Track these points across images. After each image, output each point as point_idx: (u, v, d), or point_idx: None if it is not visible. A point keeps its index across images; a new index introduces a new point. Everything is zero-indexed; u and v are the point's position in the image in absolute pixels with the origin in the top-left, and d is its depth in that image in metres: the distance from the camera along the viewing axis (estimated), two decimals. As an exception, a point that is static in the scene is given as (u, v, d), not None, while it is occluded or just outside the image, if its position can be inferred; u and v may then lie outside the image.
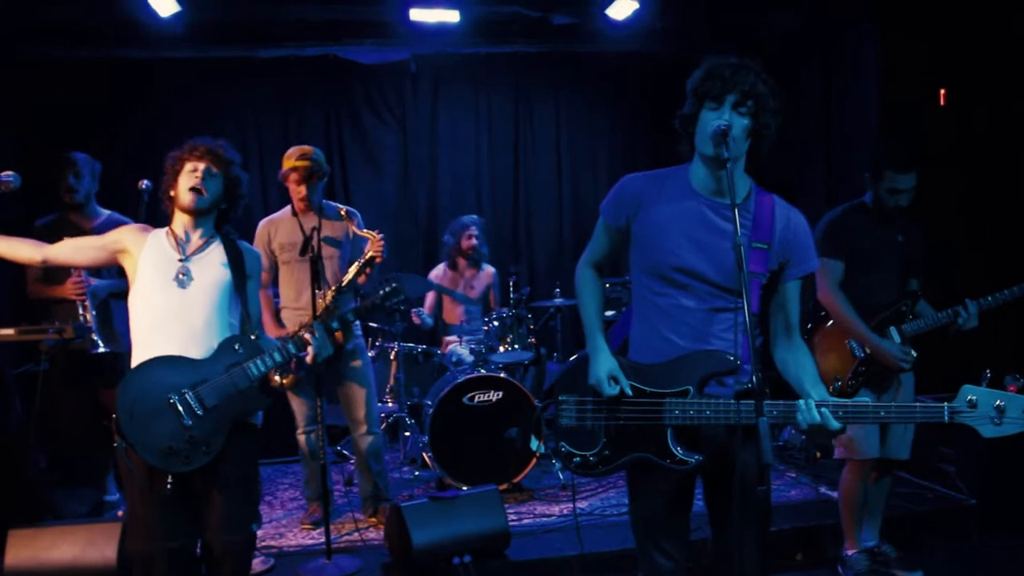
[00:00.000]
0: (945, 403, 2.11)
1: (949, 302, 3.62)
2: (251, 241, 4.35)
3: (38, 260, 2.98)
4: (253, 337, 2.89)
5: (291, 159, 4.28)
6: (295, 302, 4.35)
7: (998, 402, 2.07)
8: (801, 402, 2.17)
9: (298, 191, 4.29)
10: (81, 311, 4.13)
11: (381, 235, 4.09)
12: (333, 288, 4.11)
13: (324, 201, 4.42)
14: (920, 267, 3.74)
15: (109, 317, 4.31)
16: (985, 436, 2.09)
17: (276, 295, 4.46)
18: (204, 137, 2.97)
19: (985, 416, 2.08)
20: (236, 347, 2.82)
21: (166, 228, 2.95)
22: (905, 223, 3.68)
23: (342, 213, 4.28)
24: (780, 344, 2.42)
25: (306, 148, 4.32)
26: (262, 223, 4.44)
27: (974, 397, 2.09)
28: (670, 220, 2.33)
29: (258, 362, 2.80)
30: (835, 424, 2.13)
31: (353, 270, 4.12)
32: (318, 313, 3.96)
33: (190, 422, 2.69)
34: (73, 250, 3.00)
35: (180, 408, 2.70)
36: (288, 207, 4.41)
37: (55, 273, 4.17)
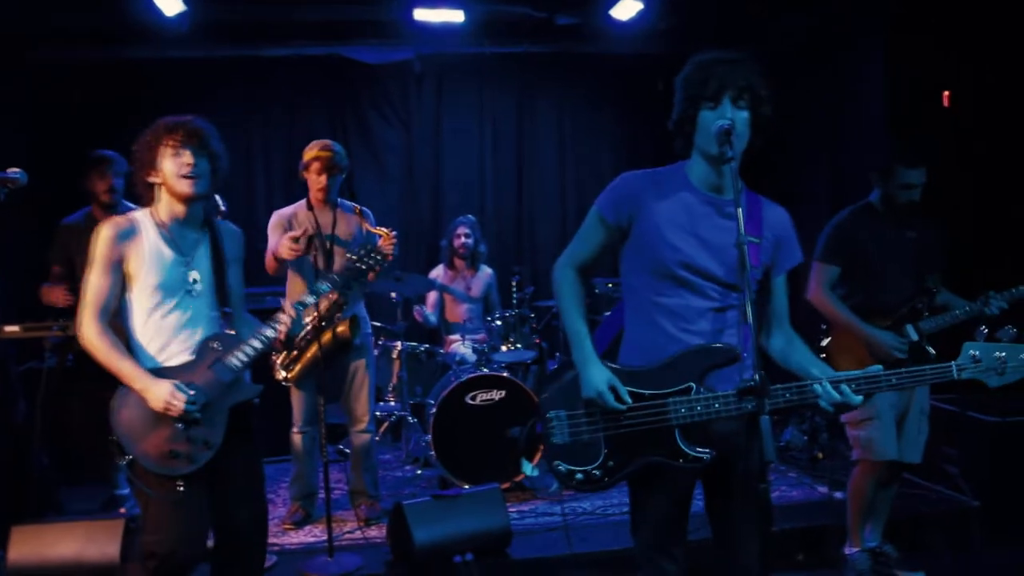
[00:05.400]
0: (952, 362, 2.26)
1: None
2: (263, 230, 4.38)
3: (123, 329, 2.85)
4: (231, 332, 2.89)
5: (313, 149, 4.29)
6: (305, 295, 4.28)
7: (998, 354, 2.25)
8: (817, 386, 2.20)
9: (318, 181, 4.25)
10: None
11: (394, 232, 4.10)
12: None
13: (339, 199, 4.41)
14: (938, 262, 3.74)
15: None
16: (991, 386, 2.26)
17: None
18: (174, 116, 2.84)
19: (989, 368, 2.24)
20: (215, 345, 2.81)
21: (154, 223, 2.81)
22: (917, 220, 3.69)
23: (356, 211, 4.28)
24: (775, 335, 2.45)
25: (327, 141, 4.35)
26: (276, 214, 4.39)
27: (976, 352, 2.26)
28: (673, 217, 2.30)
29: (238, 354, 2.79)
30: (856, 399, 2.18)
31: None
32: (325, 309, 3.99)
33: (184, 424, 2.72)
34: (113, 299, 2.78)
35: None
36: (303, 201, 4.38)
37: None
